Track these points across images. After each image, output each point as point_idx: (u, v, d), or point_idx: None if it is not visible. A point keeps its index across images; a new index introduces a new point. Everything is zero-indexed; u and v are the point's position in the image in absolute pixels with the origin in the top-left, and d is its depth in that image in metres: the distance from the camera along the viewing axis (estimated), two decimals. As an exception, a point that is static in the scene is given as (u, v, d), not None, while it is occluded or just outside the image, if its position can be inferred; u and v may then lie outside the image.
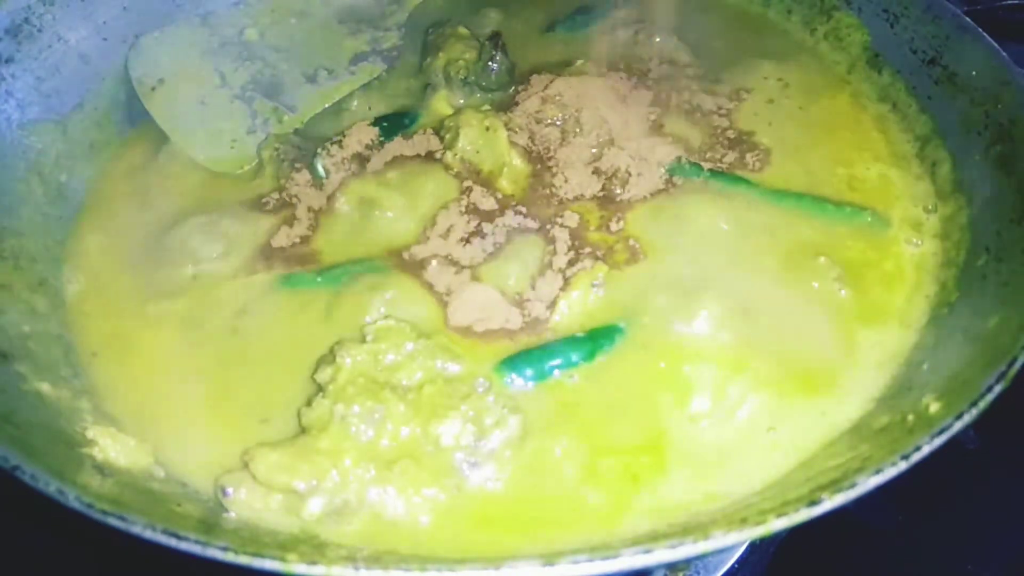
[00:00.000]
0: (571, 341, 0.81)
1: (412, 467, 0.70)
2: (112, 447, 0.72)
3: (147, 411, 0.79)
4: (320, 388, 0.75)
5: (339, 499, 0.69)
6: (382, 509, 0.69)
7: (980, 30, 0.94)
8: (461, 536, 0.69)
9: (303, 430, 0.73)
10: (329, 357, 0.77)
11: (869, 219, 0.92)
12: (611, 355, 0.81)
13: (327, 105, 1.09)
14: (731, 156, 0.99)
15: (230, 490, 0.69)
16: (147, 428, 0.77)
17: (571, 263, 0.88)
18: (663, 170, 0.96)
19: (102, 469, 0.69)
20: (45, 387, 0.76)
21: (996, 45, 0.92)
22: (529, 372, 0.79)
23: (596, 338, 0.81)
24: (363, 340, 0.77)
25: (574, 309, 0.84)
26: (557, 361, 0.80)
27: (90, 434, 0.72)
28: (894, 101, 1.04)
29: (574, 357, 0.80)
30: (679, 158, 0.97)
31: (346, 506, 0.69)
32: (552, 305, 0.84)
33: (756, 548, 0.91)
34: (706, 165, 0.97)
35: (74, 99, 1.03)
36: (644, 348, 0.81)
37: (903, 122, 1.02)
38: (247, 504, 0.69)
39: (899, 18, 1.04)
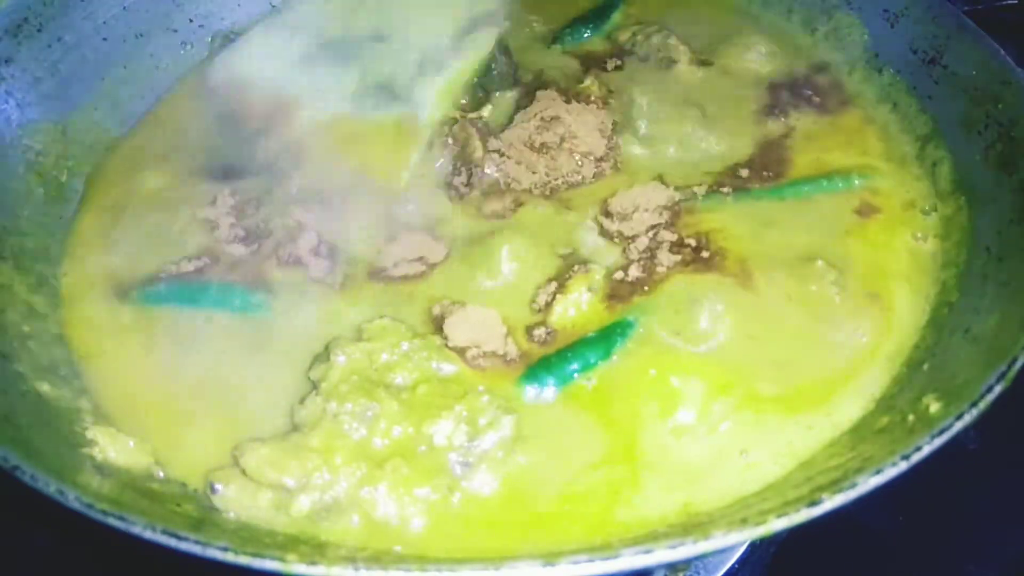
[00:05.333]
0: (586, 342, 0.81)
1: (403, 466, 0.70)
2: (112, 447, 0.72)
3: (144, 411, 0.79)
4: (314, 386, 0.75)
5: (329, 496, 0.69)
6: (372, 508, 0.69)
7: (980, 30, 0.94)
8: (451, 536, 0.69)
9: (295, 427, 0.73)
10: (324, 355, 0.77)
11: (856, 181, 0.94)
12: (626, 352, 0.80)
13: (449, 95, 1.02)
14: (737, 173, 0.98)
15: (219, 486, 0.69)
16: (145, 428, 0.77)
17: (567, 268, 0.87)
18: (654, 185, 0.96)
19: (102, 469, 0.69)
20: (45, 387, 0.76)
21: (996, 45, 0.92)
22: (551, 380, 0.79)
23: (610, 335, 0.81)
24: (359, 339, 0.77)
25: (571, 313, 0.84)
26: (576, 364, 0.79)
27: (90, 434, 0.72)
28: (894, 101, 1.03)
29: (592, 357, 0.80)
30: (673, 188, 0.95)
31: (336, 504, 0.69)
32: (547, 308, 0.84)
33: (756, 548, 0.91)
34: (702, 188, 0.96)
35: (74, 99, 1.03)
36: (646, 352, 0.80)
37: (903, 122, 1.02)
38: (236, 501, 0.68)
39: (899, 18, 1.04)
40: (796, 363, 0.80)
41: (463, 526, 0.70)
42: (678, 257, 0.88)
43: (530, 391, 0.78)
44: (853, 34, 1.10)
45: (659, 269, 0.87)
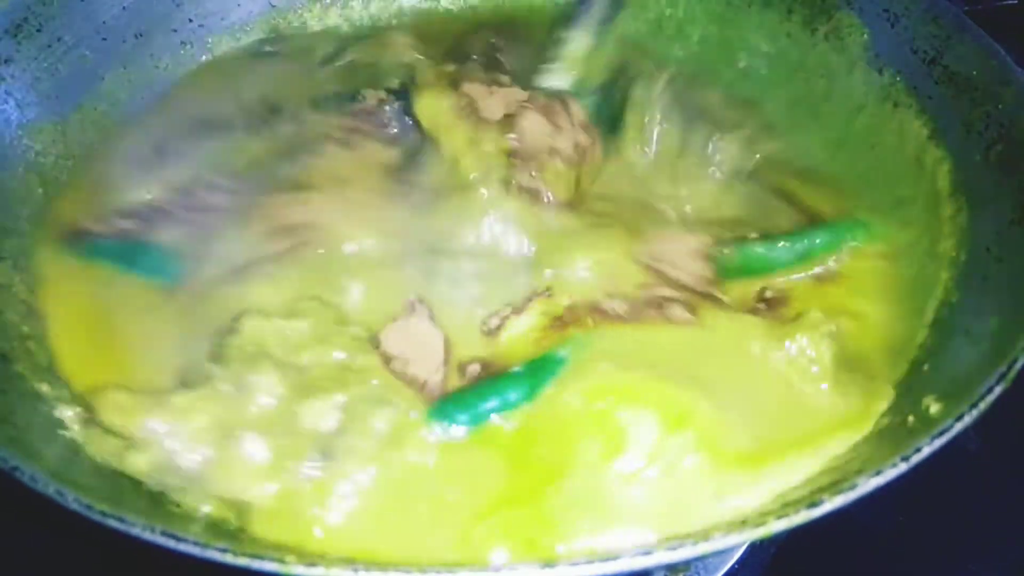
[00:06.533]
0: (507, 378, 0.73)
1: (260, 443, 0.66)
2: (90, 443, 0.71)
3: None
4: (213, 352, 0.74)
5: (169, 457, 0.66)
6: (215, 479, 0.66)
7: (981, 30, 0.94)
8: (282, 526, 0.66)
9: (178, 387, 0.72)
10: (232, 324, 0.75)
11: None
12: (554, 390, 0.72)
13: None
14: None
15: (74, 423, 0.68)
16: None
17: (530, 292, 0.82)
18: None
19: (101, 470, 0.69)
20: (44, 387, 0.76)
21: (997, 45, 0.92)
22: (463, 417, 0.71)
23: (535, 371, 0.73)
24: (280, 316, 0.75)
25: (520, 338, 0.78)
26: (493, 403, 0.71)
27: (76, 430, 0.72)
28: (895, 101, 1.03)
29: (512, 396, 0.71)
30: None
31: (176, 467, 0.66)
32: (496, 331, 0.79)
33: (756, 549, 0.91)
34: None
35: (73, 100, 1.03)
36: (581, 386, 0.72)
37: (903, 122, 1.01)
38: (86, 436, 0.68)
39: (900, 18, 1.03)
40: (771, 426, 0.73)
41: (299, 516, 0.66)
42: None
43: (437, 428, 0.71)
44: (853, 34, 1.10)
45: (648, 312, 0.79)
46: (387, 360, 0.75)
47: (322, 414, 0.68)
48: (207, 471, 0.66)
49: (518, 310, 0.80)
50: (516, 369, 0.74)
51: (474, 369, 0.76)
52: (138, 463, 0.66)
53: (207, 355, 0.74)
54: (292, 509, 0.66)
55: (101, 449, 0.68)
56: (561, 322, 0.79)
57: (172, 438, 0.67)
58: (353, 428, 0.69)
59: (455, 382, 0.76)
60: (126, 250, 0.88)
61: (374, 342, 0.76)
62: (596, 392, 0.71)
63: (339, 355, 0.72)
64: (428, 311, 0.80)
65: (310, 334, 0.73)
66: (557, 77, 1.02)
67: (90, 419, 0.69)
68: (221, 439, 0.67)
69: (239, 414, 0.68)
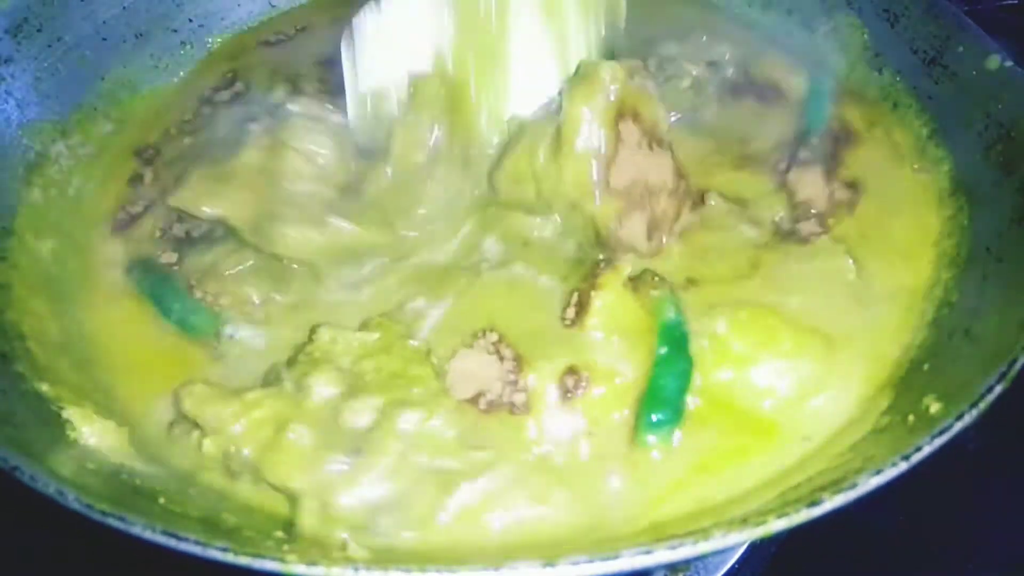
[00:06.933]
0: (668, 358, 0.74)
1: (306, 435, 0.70)
2: (93, 435, 0.72)
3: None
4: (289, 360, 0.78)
5: (232, 448, 0.71)
6: (264, 466, 0.69)
7: (981, 30, 0.94)
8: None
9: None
10: (310, 335, 0.79)
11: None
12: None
13: None
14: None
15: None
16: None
17: (590, 269, 0.82)
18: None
19: (98, 468, 0.69)
20: (44, 387, 0.76)
21: (997, 45, 0.92)
22: (670, 415, 0.72)
23: (676, 343, 0.75)
24: (354, 328, 0.79)
25: (608, 317, 0.77)
26: (680, 386, 0.73)
27: (85, 431, 0.72)
28: (895, 101, 1.03)
29: (684, 372, 0.74)
30: None
31: (235, 458, 0.71)
32: (578, 319, 0.78)
33: (757, 548, 0.91)
34: None
35: (73, 99, 1.03)
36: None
37: (903, 122, 1.02)
38: (174, 437, 0.75)
39: (900, 18, 1.03)
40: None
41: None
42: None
43: (654, 439, 0.72)
44: (853, 34, 1.10)
45: None
46: (471, 402, 0.75)
47: (359, 413, 0.72)
48: (261, 457, 0.70)
49: (585, 293, 0.78)
50: (662, 351, 0.74)
51: (572, 381, 0.75)
52: (209, 448, 0.72)
53: (285, 361, 0.78)
54: (327, 501, 0.69)
55: (188, 441, 0.73)
56: (635, 285, 0.79)
57: (237, 426, 0.71)
58: (383, 427, 0.71)
59: (556, 401, 0.75)
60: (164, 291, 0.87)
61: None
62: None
63: (396, 363, 0.76)
64: (496, 337, 0.78)
65: (376, 345, 0.77)
66: None
67: (180, 416, 0.74)
68: (274, 430, 0.71)
69: (294, 410, 0.72)
